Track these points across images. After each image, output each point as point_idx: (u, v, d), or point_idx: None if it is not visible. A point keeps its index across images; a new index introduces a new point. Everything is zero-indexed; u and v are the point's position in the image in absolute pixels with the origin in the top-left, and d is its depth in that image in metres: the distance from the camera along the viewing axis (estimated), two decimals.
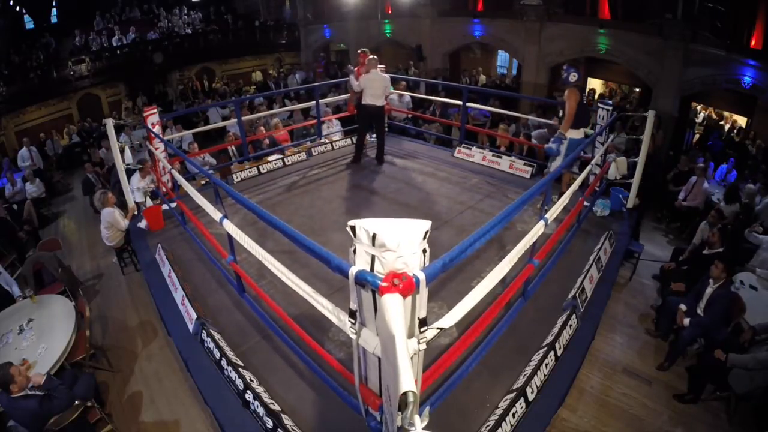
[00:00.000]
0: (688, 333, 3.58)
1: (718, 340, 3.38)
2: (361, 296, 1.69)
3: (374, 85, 5.43)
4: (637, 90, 10.31)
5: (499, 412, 2.36)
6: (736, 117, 8.79)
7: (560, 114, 4.60)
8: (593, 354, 3.54)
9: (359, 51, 5.79)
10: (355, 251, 1.67)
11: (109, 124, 4.50)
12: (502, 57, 13.00)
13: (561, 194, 3.90)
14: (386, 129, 6.73)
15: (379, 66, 5.67)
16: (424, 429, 1.09)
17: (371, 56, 5.48)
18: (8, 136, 11.05)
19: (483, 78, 11.49)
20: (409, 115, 8.06)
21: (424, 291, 1.57)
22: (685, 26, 7.66)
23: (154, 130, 4.67)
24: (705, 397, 3.31)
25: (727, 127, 8.70)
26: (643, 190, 4.72)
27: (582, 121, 4.32)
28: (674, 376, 3.52)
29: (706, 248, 4.19)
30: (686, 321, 3.55)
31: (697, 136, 9.00)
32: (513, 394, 2.44)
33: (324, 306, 1.99)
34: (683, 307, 3.65)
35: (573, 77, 4.28)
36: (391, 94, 6.19)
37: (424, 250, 1.61)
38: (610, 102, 5.23)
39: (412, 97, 8.29)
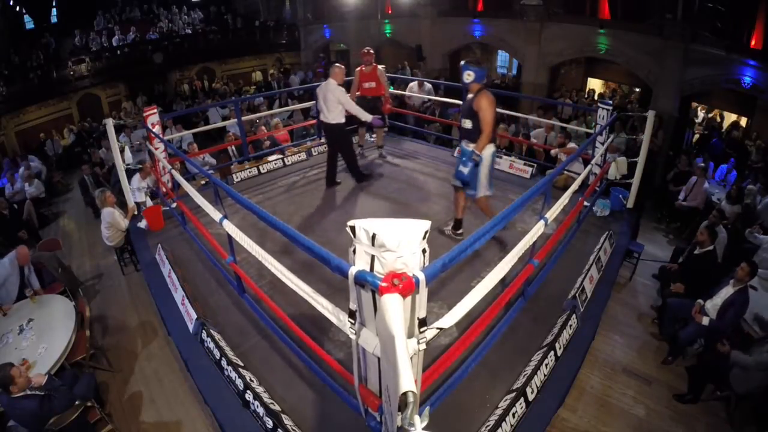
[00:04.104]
0: (688, 332, 3.58)
1: (719, 339, 3.38)
2: (360, 296, 1.69)
3: (320, 97, 4.75)
4: (637, 90, 10.31)
5: (499, 412, 2.36)
6: (732, 116, 8.81)
7: (468, 125, 3.61)
8: (593, 354, 3.54)
9: (364, 50, 5.53)
10: (354, 251, 1.67)
11: (109, 124, 4.50)
12: (502, 57, 13.00)
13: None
14: (384, 133, 6.25)
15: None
16: (424, 429, 1.08)
17: (340, 66, 4.82)
18: (8, 136, 11.05)
19: None
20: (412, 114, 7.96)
21: (423, 291, 1.57)
22: (685, 26, 7.66)
23: (154, 130, 4.66)
24: (705, 397, 3.31)
25: (725, 126, 8.71)
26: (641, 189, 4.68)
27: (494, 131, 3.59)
28: (674, 376, 3.53)
29: (697, 248, 4.19)
30: (705, 320, 3.50)
31: (696, 136, 9.00)
32: (513, 394, 2.44)
33: (324, 306, 1.99)
34: (701, 302, 3.62)
35: (468, 77, 3.45)
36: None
37: (424, 250, 1.61)
38: (610, 102, 5.24)
39: (411, 97, 8.23)
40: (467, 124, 3.62)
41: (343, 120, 4.80)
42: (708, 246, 4.07)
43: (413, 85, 7.99)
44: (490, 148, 3.59)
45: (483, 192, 3.71)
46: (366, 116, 4.85)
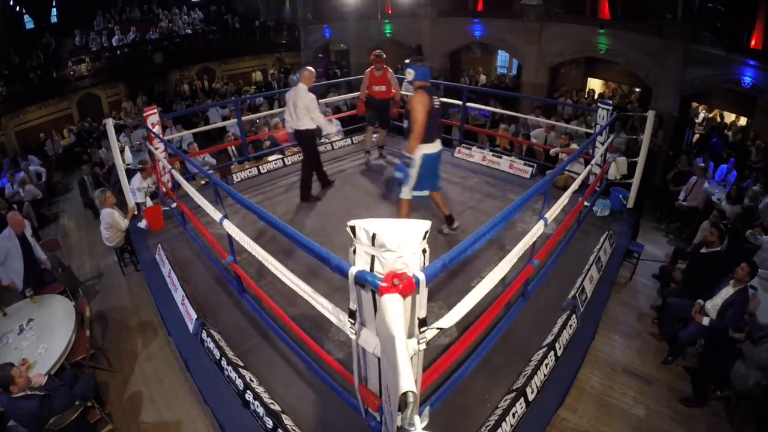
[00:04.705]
0: (688, 332, 3.58)
1: (720, 340, 3.38)
2: (360, 296, 1.69)
3: (290, 102, 4.50)
4: (637, 90, 10.32)
5: (499, 412, 2.36)
6: (732, 116, 8.82)
7: (405, 124, 3.66)
8: (593, 354, 3.54)
9: (374, 54, 5.31)
10: (354, 251, 1.67)
11: (109, 124, 4.50)
12: (502, 57, 13.01)
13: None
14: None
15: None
16: (424, 429, 1.08)
17: (309, 69, 4.59)
18: (8, 136, 11.06)
19: (483, 78, 11.50)
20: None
21: (424, 291, 1.57)
22: (685, 26, 7.66)
23: (154, 130, 4.66)
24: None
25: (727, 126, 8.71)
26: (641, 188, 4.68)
27: (432, 132, 3.57)
28: (674, 376, 3.53)
29: (704, 247, 4.19)
30: (705, 320, 3.49)
31: (696, 136, 9.01)
32: (513, 394, 2.44)
33: (324, 306, 1.99)
34: (701, 302, 3.62)
35: (408, 75, 3.50)
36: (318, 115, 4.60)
37: (424, 250, 1.61)
38: (610, 102, 5.23)
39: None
40: (405, 123, 3.66)
41: (313, 126, 4.58)
42: (716, 247, 4.08)
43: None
44: (421, 150, 3.57)
45: (405, 194, 3.73)
46: (328, 128, 4.70)
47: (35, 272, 4.21)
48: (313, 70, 4.66)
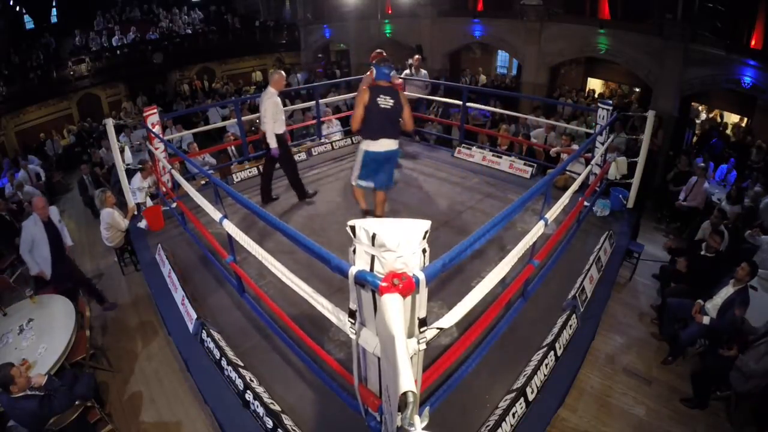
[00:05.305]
0: (689, 332, 3.58)
1: (721, 340, 3.38)
2: (360, 296, 1.69)
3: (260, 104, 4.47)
4: (637, 90, 10.32)
5: (499, 412, 2.36)
6: (732, 116, 8.82)
7: None
8: (593, 354, 3.54)
9: (375, 53, 5.21)
10: (354, 251, 1.67)
11: (109, 124, 4.49)
12: (502, 57, 13.02)
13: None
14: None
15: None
16: (424, 429, 1.08)
17: (279, 72, 4.57)
18: (8, 136, 11.07)
19: (483, 78, 11.51)
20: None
21: (423, 291, 1.57)
22: (685, 26, 7.67)
23: (154, 130, 4.66)
24: None
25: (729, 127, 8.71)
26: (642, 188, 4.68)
27: (374, 130, 3.61)
28: (674, 376, 3.53)
29: (704, 251, 4.20)
30: (706, 319, 3.50)
31: (696, 137, 9.01)
32: (513, 394, 2.44)
33: (324, 306, 1.99)
34: (701, 302, 3.62)
35: (372, 73, 3.80)
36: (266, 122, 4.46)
37: (424, 250, 1.61)
38: (610, 102, 5.23)
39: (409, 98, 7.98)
40: None
41: (281, 130, 4.57)
42: (718, 248, 4.11)
43: (407, 72, 7.61)
44: (363, 146, 3.75)
45: (352, 180, 3.91)
46: (272, 144, 4.50)
47: (64, 261, 4.17)
48: (283, 73, 4.62)
